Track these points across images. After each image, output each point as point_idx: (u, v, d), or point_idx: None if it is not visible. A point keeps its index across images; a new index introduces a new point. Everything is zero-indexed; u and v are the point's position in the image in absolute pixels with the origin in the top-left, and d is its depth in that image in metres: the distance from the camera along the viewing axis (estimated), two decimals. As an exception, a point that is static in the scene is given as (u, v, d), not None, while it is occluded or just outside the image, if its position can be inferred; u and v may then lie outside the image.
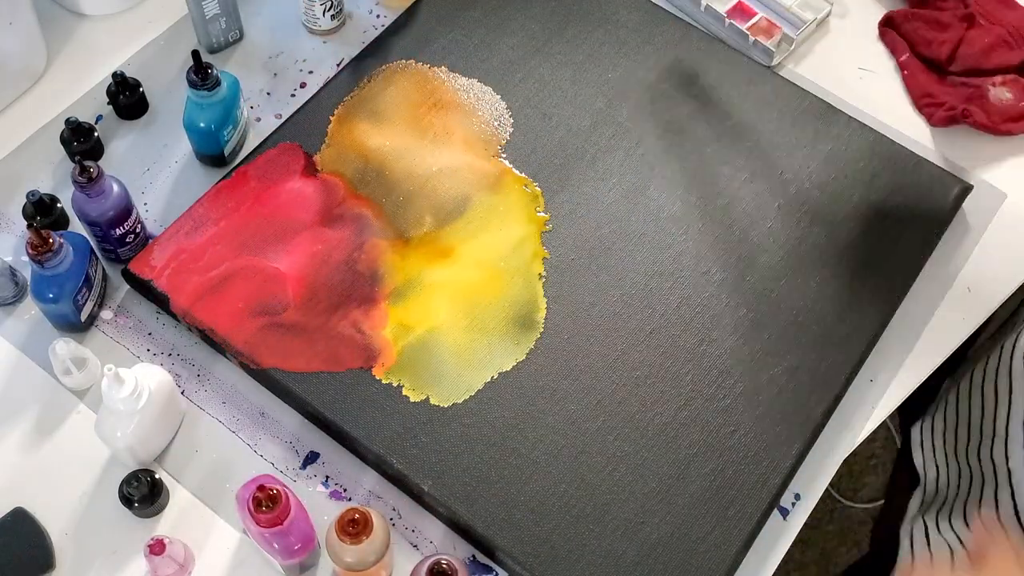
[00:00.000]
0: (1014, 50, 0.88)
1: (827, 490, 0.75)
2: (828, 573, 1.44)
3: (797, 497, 0.71)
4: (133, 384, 0.64)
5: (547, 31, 0.88)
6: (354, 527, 0.59)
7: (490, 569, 0.68)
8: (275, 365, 0.71)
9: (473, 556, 0.69)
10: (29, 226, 0.67)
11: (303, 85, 0.88)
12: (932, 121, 0.87)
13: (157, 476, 0.67)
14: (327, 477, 0.71)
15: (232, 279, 0.75)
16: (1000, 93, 0.85)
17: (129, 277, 0.75)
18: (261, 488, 0.59)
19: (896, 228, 0.79)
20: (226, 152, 0.82)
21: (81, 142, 0.81)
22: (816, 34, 0.93)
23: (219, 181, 0.79)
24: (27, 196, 0.75)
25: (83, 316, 0.73)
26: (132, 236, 0.76)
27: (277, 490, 0.60)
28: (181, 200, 0.81)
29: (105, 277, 0.76)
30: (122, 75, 0.83)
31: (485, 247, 0.77)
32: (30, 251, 0.68)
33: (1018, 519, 0.74)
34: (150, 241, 0.77)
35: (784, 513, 0.71)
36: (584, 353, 0.73)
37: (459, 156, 0.81)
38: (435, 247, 0.77)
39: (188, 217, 0.77)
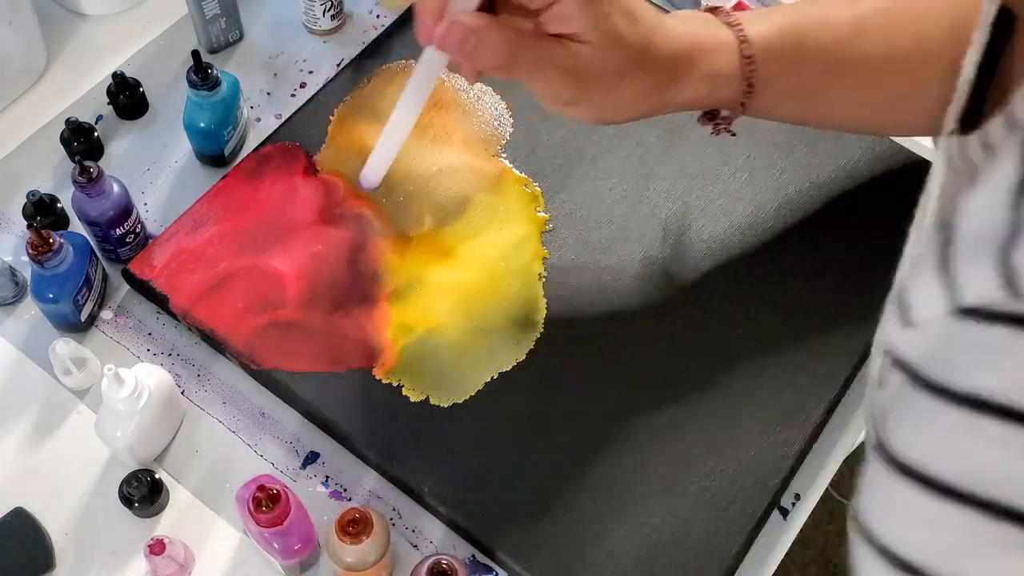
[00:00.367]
0: None
1: (827, 490, 0.75)
2: (828, 573, 1.44)
3: (797, 497, 0.71)
4: (133, 384, 0.64)
5: (547, 31, 0.88)
6: (354, 527, 0.59)
7: (490, 569, 0.68)
8: (275, 365, 0.71)
9: (473, 556, 0.69)
10: (29, 226, 0.67)
11: (303, 85, 0.88)
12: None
13: (157, 476, 0.67)
14: (327, 477, 0.71)
15: (232, 279, 0.75)
16: None
17: (129, 277, 0.75)
18: (261, 488, 0.59)
19: (896, 228, 0.79)
20: (226, 152, 0.82)
21: (81, 142, 0.81)
22: (816, 34, 0.93)
23: (219, 181, 0.79)
24: (27, 196, 0.75)
25: (83, 316, 0.73)
26: (132, 236, 0.76)
27: (277, 490, 0.60)
28: (181, 200, 0.81)
29: (105, 277, 0.76)
30: (122, 75, 0.83)
31: (485, 247, 0.77)
32: (30, 251, 0.68)
33: None
34: (150, 241, 0.77)
35: (784, 513, 0.71)
36: (584, 353, 0.73)
37: (459, 156, 0.81)
38: (435, 247, 0.77)
39: (188, 217, 0.77)
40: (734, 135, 0.69)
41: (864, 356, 0.74)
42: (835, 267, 0.77)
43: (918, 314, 0.40)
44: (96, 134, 0.81)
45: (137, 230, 0.76)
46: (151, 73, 0.87)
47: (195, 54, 0.75)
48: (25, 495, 0.69)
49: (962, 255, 0.37)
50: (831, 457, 0.73)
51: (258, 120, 0.86)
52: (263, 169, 0.80)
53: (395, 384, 0.71)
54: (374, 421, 0.69)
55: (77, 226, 0.77)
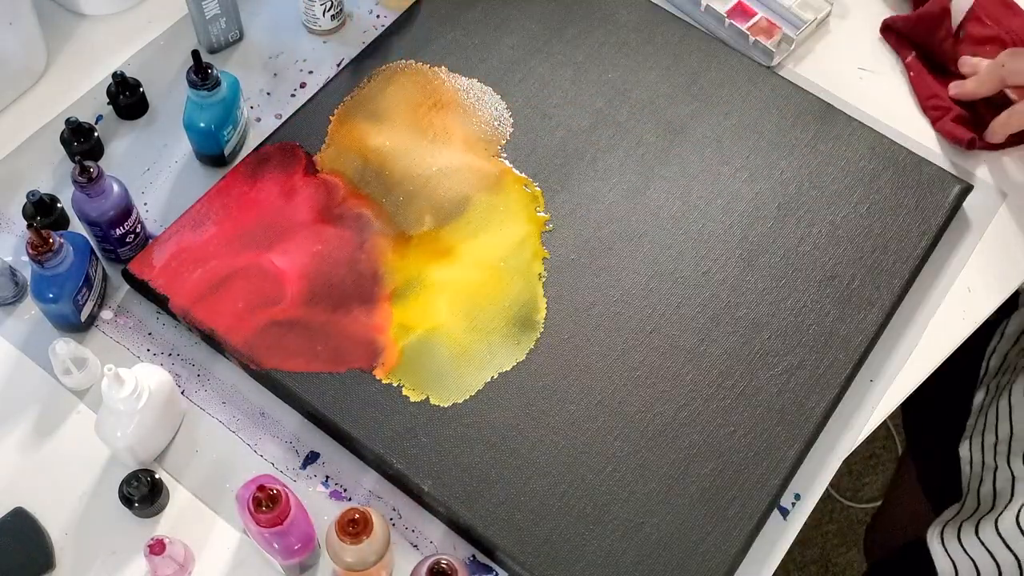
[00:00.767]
0: None
1: (827, 490, 0.75)
2: (828, 573, 1.44)
3: (797, 497, 0.71)
4: (133, 384, 0.64)
5: (547, 31, 0.88)
6: (354, 527, 0.59)
7: (490, 569, 0.68)
8: (275, 366, 0.71)
9: (473, 556, 0.69)
10: (29, 226, 0.67)
11: (303, 85, 0.88)
12: (936, 126, 0.87)
13: (157, 476, 0.67)
14: (327, 477, 0.71)
15: (232, 279, 0.75)
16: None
17: (129, 277, 0.75)
18: (261, 488, 0.59)
19: (896, 228, 0.79)
20: (226, 152, 0.82)
21: (81, 142, 0.81)
22: (816, 34, 0.93)
23: (219, 181, 0.79)
24: (27, 196, 0.75)
25: (83, 316, 0.73)
26: (132, 236, 0.76)
27: (277, 490, 0.60)
28: (181, 200, 0.81)
29: (105, 277, 0.76)
30: (122, 75, 0.83)
31: (485, 247, 0.77)
32: (30, 251, 0.68)
33: None
34: (150, 241, 0.77)
35: (784, 513, 0.71)
36: (584, 353, 0.73)
37: (459, 156, 0.81)
38: (435, 247, 0.77)
39: (188, 217, 0.77)
40: None
41: (864, 356, 0.74)
42: (835, 267, 0.77)
43: None
44: (96, 134, 0.81)
45: (137, 230, 0.76)
46: (151, 73, 0.87)
47: (195, 54, 0.75)
48: (25, 495, 0.69)
49: None
50: (831, 457, 0.73)
51: (258, 120, 0.86)
52: (263, 169, 0.80)
53: (395, 384, 0.71)
54: (374, 421, 0.70)
55: (77, 226, 0.77)
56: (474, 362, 0.72)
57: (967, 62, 0.88)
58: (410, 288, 0.75)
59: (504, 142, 0.82)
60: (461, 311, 0.74)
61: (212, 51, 0.89)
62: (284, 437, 0.72)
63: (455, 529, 0.69)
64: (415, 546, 0.69)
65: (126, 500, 0.67)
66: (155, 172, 0.83)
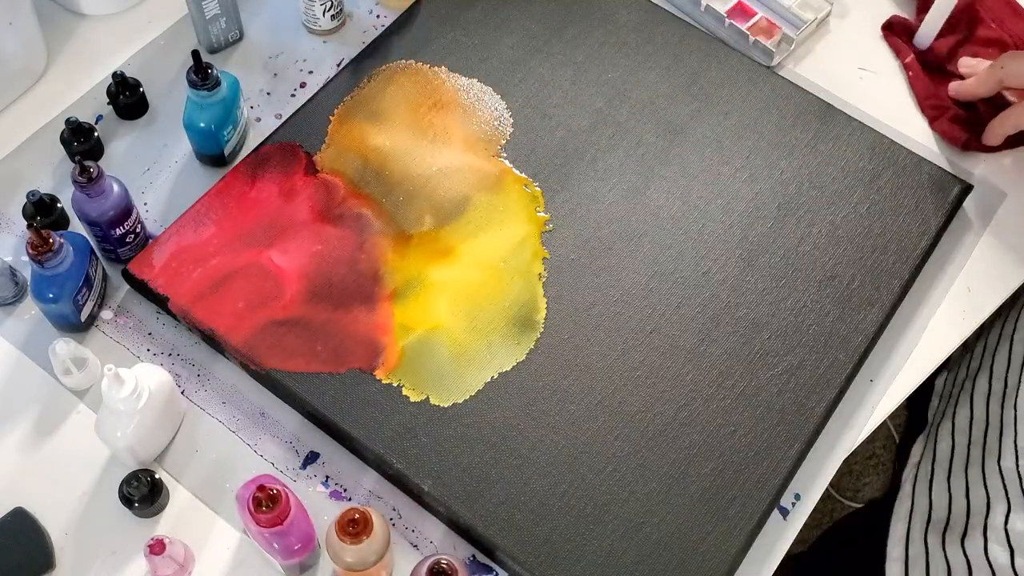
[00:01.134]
0: None
1: (827, 490, 0.75)
2: (828, 573, 1.44)
3: (797, 497, 0.71)
4: (133, 384, 0.64)
5: (547, 31, 0.88)
6: (354, 527, 0.59)
7: (490, 569, 0.68)
8: (276, 366, 0.71)
9: (473, 556, 0.69)
10: (29, 226, 0.67)
11: (303, 85, 0.88)
12: (933, 126, 0.87)
13: (157, 476, 0.67)
14: (327, 477, 0.71)
15: (232, 279, 0.75)
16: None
17: (129, 277, 0.75)
18: (261, 488, 0.59)
19: (896, 228, 0.79)
20: (226, 152, 0.82)
21: (81, 142, 0.81)
22: (816, 34, 0.93)
23: (219, 181, 0.79)
24: (27, 196, 0.75)
25: (83, 316, 0.73)
26: (132, 236, 0.76)
27: (277, 490, 0.60)
28: (181, 200, 0.81)
29: (105, 277, 0.76)
30: (122, 75, 0.83)
31: (485, 247, 0.77)
32: (30, 251, 0.68)
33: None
34: (150, 241, 0.77)
35: (784, 513, 0.71)
36: (584, 353, 0.73)
37: (459, 156, 0.81)
38: (435, 247, 0.77)
39: (188, 217, 0.77)
40: None
41: (864, 356, 0.74)
42: (835, 267, 0.77)
43: None
44: (96, 134, 0.81)
45: (137, 230, 0.76)
46: (151, 73, 0.87)
47: (195, 54, 0.75)
48: (25, 495, 0.69)
49: None
50: (831, 457, 0.73)
51: (258, 120, 0.86)
52: (263, 169, 0.80)
53: (395, 384, 0.71)
54: (374, 421, 0.70)
55: (77, 226, 0.77)
56: (474, 362, 0.72)
57: (966, 63, 0.88)
58: (410, 288, 0.75)
59: (504, 142, 0.82)
60: (461, 311, 0.74)
61: (212, 51, 0.89)
62: (284, 437, 0.72)
63: (455, 529, 0.69)
64: (415, 546, 0.69)
65: (126, 500, 0.67)
66: (155, 172, 0.83)
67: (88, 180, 0.70)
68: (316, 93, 0.84)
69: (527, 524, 0.67)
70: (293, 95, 0.87)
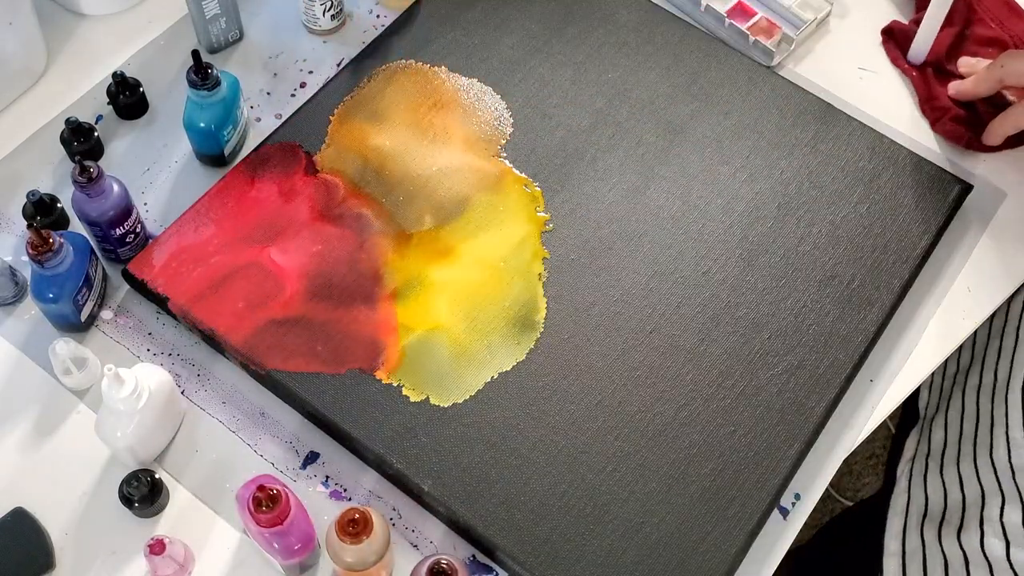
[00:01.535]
0: None
1: (827, 490, 0.75)
2: (828, 573, 1.44)
3: (797, 497, 0.71)
4: (133, 384, 0.64)
5: (547, 31, 0.88)
6: (354, 527, 0.59)
7: (490, 569, 0.68)
8: (276, 366, 0.71)
9: (473, 556, 0.69)
10: (29, 226, 0.67)
11: (303, 85, 0.88)
12: (935, 128, 0.87)
13: (157, 476, 0.67)
14: (327, 477, 0.71)
15: (232, 279, 0.75)
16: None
17: (129, 277, 0.75)
18: (261, 488, 0.59)
19: (896, 228, 0.79)
20: (226, 152, 0.82)
21: (81, 142, 0.81)
22: (816, 34, 0.93)
23: (219, 181, 0.79)
24: (27, 196, 0.75)
25: (83, 316, 0.73)
26: (132, 236, 0.76)
27: (277, 490, 0.60)
28: (181, 200, 0.81)
29: (105, 277, 0.76)
30: (122, 75, 0.83)
31: (485, 247, 0.77)
32: (30, 251, 0.68)
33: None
34: (150, 241, 0.77)
35: (784, 513, 0.71)
36: (584, 353, 0.73)
37: (459, 156, 0.81)
38: (435, 247, 0.77)
39: (188, 217, 0.77)
40: None
41: (864, 356, 0.74)
42: (835, 267, 0.77)
43: None
44: (96, 134, 0.81)
45: (137, 230, 0.76)
46: (151, 73, 0.87)
47: (195, 54, 0.75)
48: (25, 495, 0.69)
49: None
50: (831, 457, 0.73)
51: (258, 120, 0.86)
52: (263, 169, 0.80)
53: (395, 384, 0.71)
54: (374, 421, 0.70)
55: (77, 226, 0.77)
56: (474, 362, 0.72)
57: (966, 62, 0.88)
58: (410, 288, 0.75)
59: (504, 142, 0.82)
60: (461, 311, 0.74)
61: (212, 51, 0.89)
62: (284, 437, 0.72)
63: (455, 529, 0.69)
64: (415, 546, 0.69)
65: (126, 500, 0.67)
66: (155, 172, 0.83)
67: (88, 180, 0.70)
68: (316, 93, 0.84)
69: (527, 524, 0.67)
70: (293, 95, 0.87)
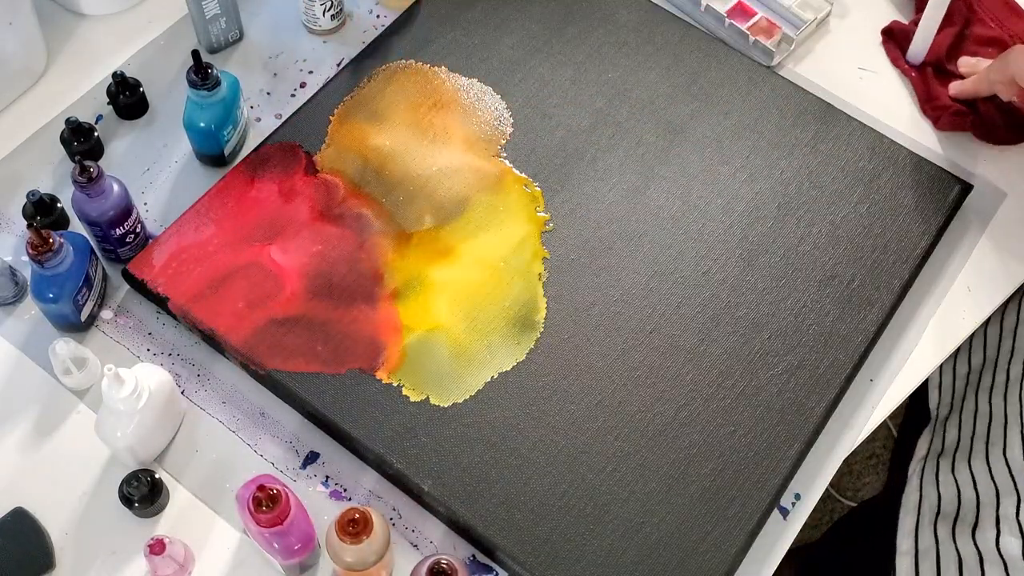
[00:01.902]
0: None
1: (827, 490, 0.75)
2: (828, 573, 1.44)
3: (797, 497, 0.71)
4: (133, 384, 0.64)
5: (547, 31, 0.88)
6: (354, 527, 0.59)
7: (490, 569, 0.68)
8: (276, 366, 0.71)
9: (473, 556, 0.69)
10: (29, 226, 0.67)
11: (303, 85, 0.88)
12: (938, 126, 0.87)
13: (157, 476, 0.67)
14: (327, 477, 0.71)
15: (232, 279, 0.75)
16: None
17: (129, 277, 0.75)
18: (261, 488, 0.59)
19: (896, 228, 0.79)
20: (226, 152, 0.82)
21: (81, 142, 0.81)
22: (816, 34, 0.93)
23: (219, 181, 0.79)
24: (27, 196, 0.75)
25: (83, 316, 0.73)
26: (132, 236, 0.76)
27: (277, 490, 0.60)
28: (181, 200, 0.81)
29: (105, 277, 0.76)
30: (122, 75, 0.83)
31: (485, 247, 0.77)
32: (30, 251, 0.68)
33: None
34: (150, 241, 0.77)
35: (784, 513, 0.71)
36: (584, 353, 0.73)
37: (459, 156, 0.81)
38: (435, 247, 0.77)
39: (188, 217, 0.77)
40: None
41: (864, 356, 0.74)
42: (835, 267, 0.77)
43: None
44: (96, 134, 0.81)
45: (137, 230, 0.76)
46: (151, 73, 0.87)
47: (195, 54, 0.75)
48: (25, 495, 0.69)
49: None
50: (831, 457, 0.73)
51: (258, 120, 0.86)
52: (263, 169, 0.80)
53: (395, 384, 0.71)
54: (374, 421, 0.70)
55: (77, 226, 0.77)
56: (474, 362, 0.72)
57: (966, 62, 0.88)
58: (410, 288, 0.75)
59: (504, 142, 0.82)
60: (461, 311, 0.74)
61: (212, 51, 0.89)
62: (284, 437, 0.72)
63: (455, 529, 0.69)
64: (415, 546, 0.69)
65: (126, 500, 0.67)
66: (155, 172, 0.83)
67: (88, 180, 0.70)
68: (316, 93, 0.84)
69: (527, 524, 0.67)
70: (293, 95, 0.87)
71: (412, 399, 0.70)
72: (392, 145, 0.82)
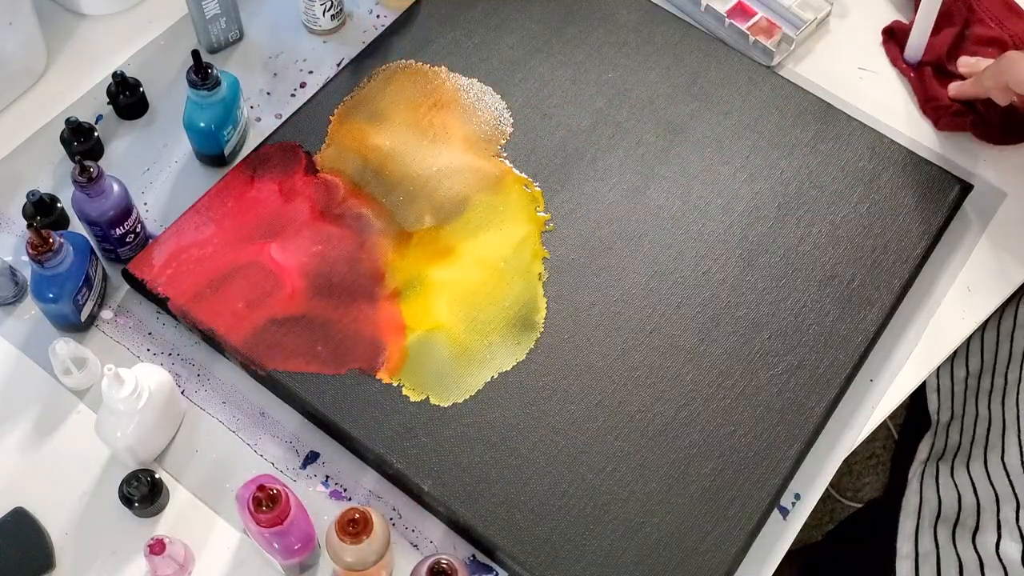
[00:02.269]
0: None
1: (827, 490, 0.75)
2: (828, 573, 1.44)
3: (797, 497, 0.71)
4: (133, 384, 0.64)
5: (547, 31, 0.88)
6: (354, 527, 0.59)
7: (490, 569, 0.68)
8: (276, 366, 0.71)
9: (473, 556, 0.69)
10: (29, 226, 0.67)
11: (303, 85, 0.88)
12: (938, 126, 0.87)
13: (157, 476, 0.67)
14: (327, 477, 0.71)
15: (232, 279, 0.75)
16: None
17: (129, 277, 0.75)
18: (261, 488, 0.59)
19: (896, 228, 0.79)
20: (226, 152, 0.82)
21: (81, 142, 0.81)
22: (816, 34, 0.93)
23: (219, 181, 0.79)
24: (27, 196, 0.75)
25: (83, 316, 0.73)
26: (132, 236, 0.76)
27: (277, 490, 0.60)
28: (181, 200, 0.81)
29: (105, 277, 0.76)
30: (122, 75, 0.83)
31: (485, 247, 0.77)
32: (30, 251, 0.68)
33: None
34: (150, 241, 0.77)
35: (784, 513, 0.71)
36: (584, 353, 0.73)
37: (459, 156, 0.81)
38: (435, 247, 0.77)
39: (188, 217, 0.77)
40: None
41: (864, 356, 0.74)
42: (835, 267, 0.77)
43: None
44: (96, 134, 0.81)
45: (137, 230, 0.76)
46: (151, 73, 0.87)
47: (195, 54, 0.75)
48: (25, 495, 0.69)
49: None
50: (831, 457, 0.73)
51: (258, 120, 0.86)
52: (263, 169, 0.80)
53: (395, 384, 0.71)
54: (374, 421, 0.70)
55: (77, 226, 0.77)
56: (474, 362, 0.72)
57: (966, 62, 0.87)
58: (410, 288, 0.75)
59: (504, 142, 0.82)
60: (461, 311, 0.74)
61: (212, 51, 0.89)
62: (284, 437, 0.72)
63: (455, 529, 0.69)
64: (415, 546, 0.69)
65: (126, 500, 0.67)
66: (155, 172, 0.83)
67: (88, 180, 0.70)
68: (316, 93, 0.84)
69: (527, 524, 0.67)
70: (293, 95, 0.87)
71: (412, 399, 0.70)
72: (392, 145, 0.82)
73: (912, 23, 0.91)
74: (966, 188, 0.81)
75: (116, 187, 0.73)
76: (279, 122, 0.85)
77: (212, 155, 0.82)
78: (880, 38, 0.93)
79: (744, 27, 0.89)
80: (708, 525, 0.67)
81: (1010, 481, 0.74)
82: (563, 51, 0.87)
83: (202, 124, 0.79)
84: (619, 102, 0.85)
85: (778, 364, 0.73)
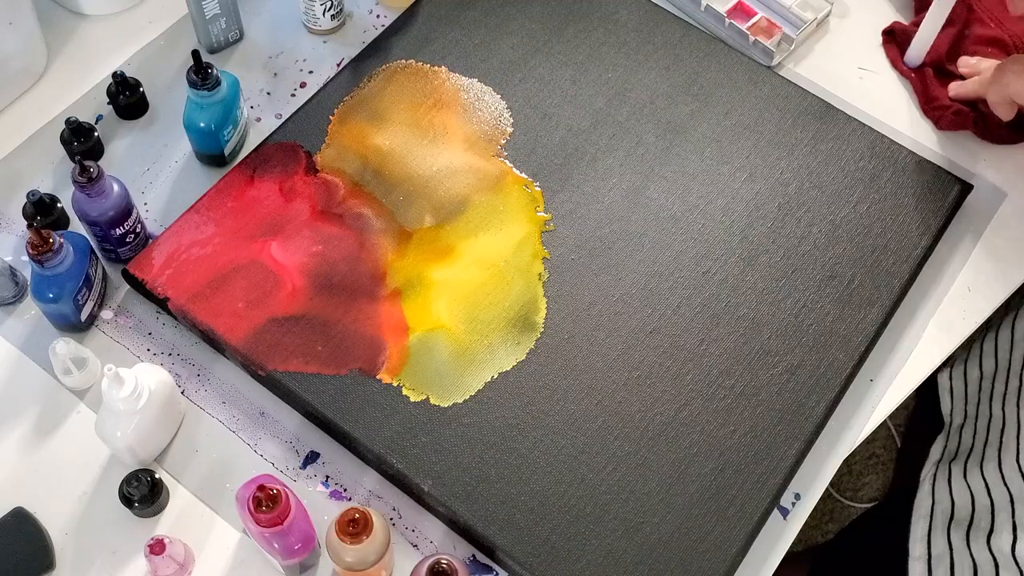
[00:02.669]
0: (1010, 54, 0.88)
1: (827, 490, 0.75)
2: (828, 573, 1.44)
3: (797, 497, 0.71)
4: (133, 384, 0.64)
5: (547, 31, 0.88)
6: (354, 527, 0.59)
7: (490, 569, 0.68)
8: (276, 366, 0.71)
9: (473, 556, 0.69)
10: (29, 226, 0.67)
11: (303, 85, 0.88)
12: (939, 127, 0.87)
13: (157, 476, 0.67)
14: (327, 477, 0.71)
15: (232, 279, 0.75)
16: None
17: (129, 277, 0.75)
18: (261, 488, 0.59)
19: (896, 228, 0.79)
20: (226, 152, 0.82)
21: (81, 142, 0.81)
22: (816, 34, 0.93)
23: (219, 181, 0.79)
24: (27, 196, 0.75)
25: (83, 316, 0.73)
26: (132, 236, 0.76)
27: (277, 490, 0.60)
28: (181, 200, 0.81)
29: (105, 277, 0.76)
30: (122, 75, 0.83)
31: (485, 247, 0.77)
32: (30, 251, 0.68)
33: None
34: (150, 241, 0.77)
35: (784, 513, 0.71)
36: (584, 353, 0.73)
37: (459, 156, 0.81)
38: (435, 247, 0.77)
39: (188, 217, 0.77)
40: None
41: (864, 356, 0.74)
42: (835, 267, 0.77)
43: None
44: (96, 134, 0.81)
45: (137, 230, 0.76)
46: (151, 73, 0.87)
47: (195, 54, 0.75)
48: (25, 495, 0.69)
49: None
50: (831, 457, 0.73)
51: (258, 120, 0.86)
52: (263, 169, 0.80)
53: (395, 384, 0.71)
54: (374, 421, 0.70)
55: (77, 226, 0.77)
56: (474, 362, 0.72)
57: (966, 62, 0.87)
58: (410, 288, 0.75)
59: (504, 142, 0.82)
60: (461, 311, 0.74)
61: (212, 51, 0.89)
62: (284, 437, 0.72)
63: (455, 529, 0.69)
64: (415, 546, 0.69)
65: (126, 500, 0.67)
66: (155, 172, 0.83)
67: (88, 180, 0.70)
68: (316, 93, 0.84)
69: (527, 524, 0.67)
70: (293, 95, 0.87)
71: (412, 399, 0.70)
72: (392, 145, 0.82)
73: (913, 24, 0.91)
74: (966, 188, 0.81)
75: (116, 187, 0.73)
76: (279, 122, 0.85)
77: (212, 155, 0.82)
78: (880, 38, 0.93)
79: (744, 27, 0.89)
80: (708, 525, 0.67)
81: None
82: (563, 51, 0.87)
83: (202, 124, 0.79)
84: (619, 102, 0.85)
85: (778, 364, 0.73)
